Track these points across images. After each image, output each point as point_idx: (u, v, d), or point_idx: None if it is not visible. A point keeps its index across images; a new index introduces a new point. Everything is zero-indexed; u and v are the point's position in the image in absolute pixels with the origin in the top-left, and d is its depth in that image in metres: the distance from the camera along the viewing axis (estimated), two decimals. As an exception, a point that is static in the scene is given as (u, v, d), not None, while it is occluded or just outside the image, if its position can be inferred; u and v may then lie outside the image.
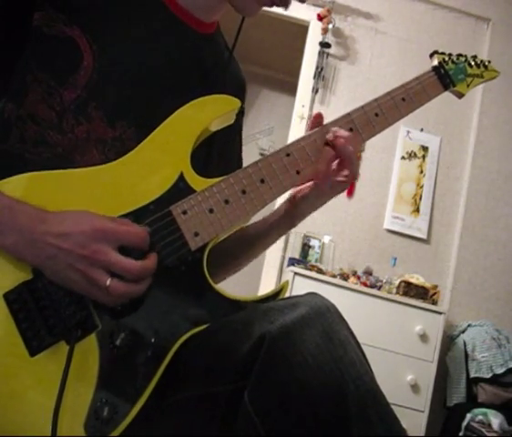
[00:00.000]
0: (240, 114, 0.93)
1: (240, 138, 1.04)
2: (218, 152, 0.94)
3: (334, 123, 0.81)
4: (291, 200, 0.86)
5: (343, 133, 0.79)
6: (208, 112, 0.78)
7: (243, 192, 0.74)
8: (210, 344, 0.68)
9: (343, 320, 0.65)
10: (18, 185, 0.68)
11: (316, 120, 0.82)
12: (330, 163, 0.79)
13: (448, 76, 0.88)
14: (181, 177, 0.74)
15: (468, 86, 0.90)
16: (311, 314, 0.63)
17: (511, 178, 3.08)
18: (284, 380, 0.58)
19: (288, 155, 0.77)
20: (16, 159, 0.73)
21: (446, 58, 0.89)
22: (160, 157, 0.74)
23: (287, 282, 0.78)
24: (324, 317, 0.63)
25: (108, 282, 0.63)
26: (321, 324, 0.62)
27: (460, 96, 0.91)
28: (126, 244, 0.66)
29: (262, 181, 0.75)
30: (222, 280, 0.97)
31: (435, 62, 0.89)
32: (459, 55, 0.91)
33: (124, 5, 0.80)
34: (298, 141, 0.79)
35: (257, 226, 0.93)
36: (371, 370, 0.63)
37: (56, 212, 0.67)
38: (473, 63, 0.92)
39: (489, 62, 0.94)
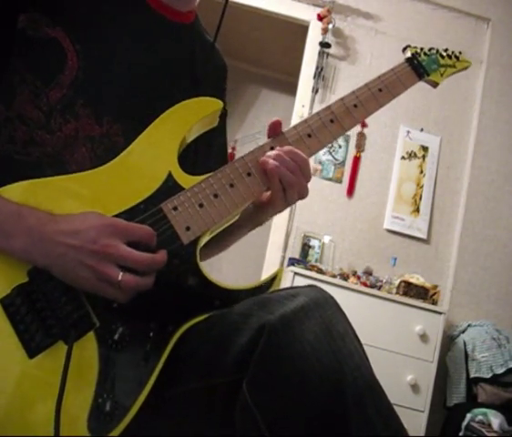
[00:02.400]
0: (223, 115, 0.95)
1: (225, 137, 1.05)
2: (202, 152, 0.95)
3: (311, 118, 0.83)
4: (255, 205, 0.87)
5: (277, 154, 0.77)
6: (191, 115, 0.80)
7: (231, 186, 0.76)
8: (210, 336, 0.69)
9: (342, 312, 0.66)
10: (11, 194, 0.68)
11: (274, 127, 0.82)
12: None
13: (422, 66, 0.92)
14: (170, 176, 0.75)
15: (442, 75, 0.95)
16: (310, 305, 0.63)
17: (511, 178, 3.08)
18: (283, 369, 0.58)
19: (272, 148, 0.80)
20: (6, 160, 0.74)
21: (419, 50, 0.93)
22: (148, 160, 0.76)
23: (281, 270, 0.79)
24: (323, 308, 0.63)
25: (120, 277, 0.64)
26: (320, 315, 0.62)
27: (435, 85, 0.95)
28: (134, 239, 0.67)
29: (249, 174, 0.78)
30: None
31: (408, 54, 0.93)
32: (431, 48, 0.95)
33: (104, 4, 0.82)
34: (282, 134, 0.82)
35: None
36: (369, 362, 0.63)
37: (64, 214, 0.68)
38: (444, 54, 0.96)
39: (460, 53, 0.99)
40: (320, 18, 3.05)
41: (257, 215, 0.89)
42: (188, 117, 0.80)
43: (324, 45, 3.05)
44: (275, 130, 0.82)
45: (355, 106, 0.85)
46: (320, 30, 3.06)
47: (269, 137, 0.82)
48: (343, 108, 0.84)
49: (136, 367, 0.66)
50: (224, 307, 0.71)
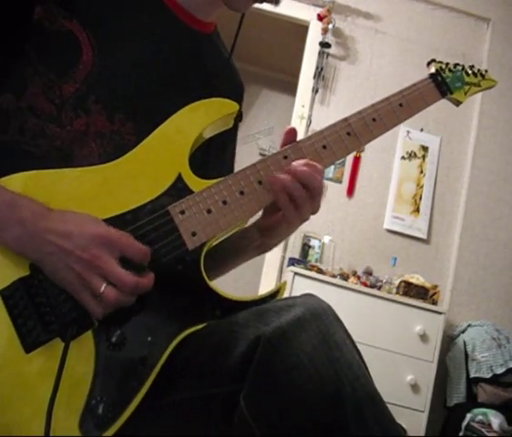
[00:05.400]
0: (238, 118, 0.93)
1: (235, 143, 1.03)
2: (215, 154, 0.94)
3: (327, 129, 0.80)
4: (262, 231, 0.85)
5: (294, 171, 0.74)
6: (205, 115, 0.78)
7: (241, 193, 0.74)
8: (207, 345, 0.68)
9: (340, 321, 0.65)
10: (15, 183, 0.68)
11: (289, 135, 0.79)
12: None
13: (445, 83, 0.88)
14: (179, 178, 0.74)
15: (466, 93, 0.91)
16: (307, 316, 0.62)
17: (511, 178, 3.08)
18: (280, 382, 0.58)
19: (285, 157, 0.78)
20: (14, 151, 0.73)
21: (443, 66, 0.90)
22: (158, 159, 0.75)
23: (285, 283, 0.78)
24: (320, 319, 0.62)
25: (103, 289, 0.63)
26: (317, 326, 0.61)
27: (458, 103, 0.92)
28: (126, 256, 0.66)
29: (260, 183, 0.75)
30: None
31: (433, 70, 0.90)
32: (456, 65, 0.92)
33: (123, 2, 0.81)
34: (296, 143, 0.79)
35: (230, 243, 0.90)
36: (368, 371, 0.62)
37: (60, 211, 0.67)
38: (470, 72, 0.92)
39: (486, 71, 0.95)
40: (320, 18, 3.05)
41: (265, 239, 0.86)
42: (202, 118, 0.78)
43: (324, 45, 3.05)
44: (290, 138, 0.79)
45: (374, 120, 0.82)
46: (320, 30, 3.06)
47: (283, 145, 0.79)
48: (362, 122, 0.81)
49: (132, 371, 0.66)
50: (224, 317, 0.70)
